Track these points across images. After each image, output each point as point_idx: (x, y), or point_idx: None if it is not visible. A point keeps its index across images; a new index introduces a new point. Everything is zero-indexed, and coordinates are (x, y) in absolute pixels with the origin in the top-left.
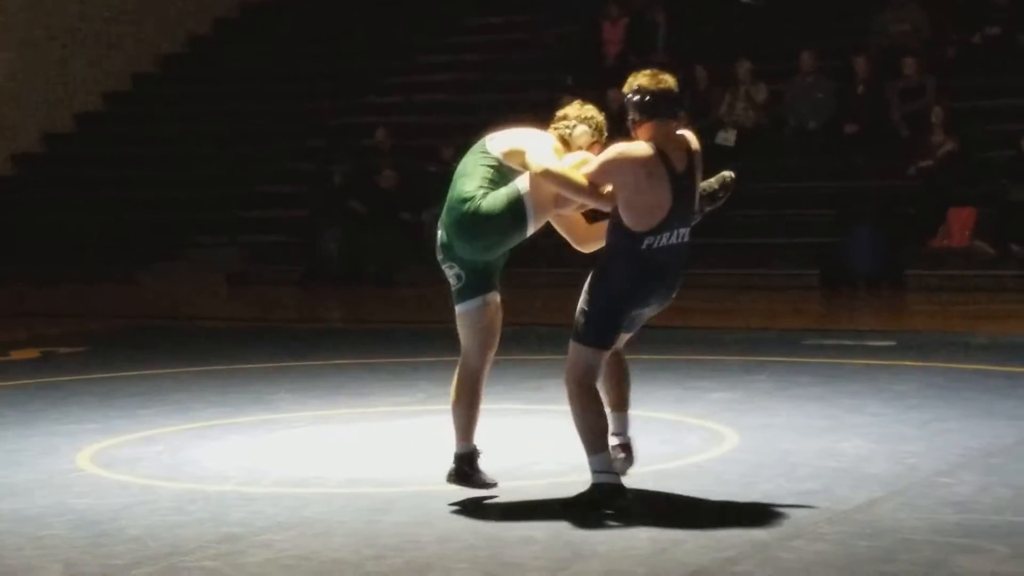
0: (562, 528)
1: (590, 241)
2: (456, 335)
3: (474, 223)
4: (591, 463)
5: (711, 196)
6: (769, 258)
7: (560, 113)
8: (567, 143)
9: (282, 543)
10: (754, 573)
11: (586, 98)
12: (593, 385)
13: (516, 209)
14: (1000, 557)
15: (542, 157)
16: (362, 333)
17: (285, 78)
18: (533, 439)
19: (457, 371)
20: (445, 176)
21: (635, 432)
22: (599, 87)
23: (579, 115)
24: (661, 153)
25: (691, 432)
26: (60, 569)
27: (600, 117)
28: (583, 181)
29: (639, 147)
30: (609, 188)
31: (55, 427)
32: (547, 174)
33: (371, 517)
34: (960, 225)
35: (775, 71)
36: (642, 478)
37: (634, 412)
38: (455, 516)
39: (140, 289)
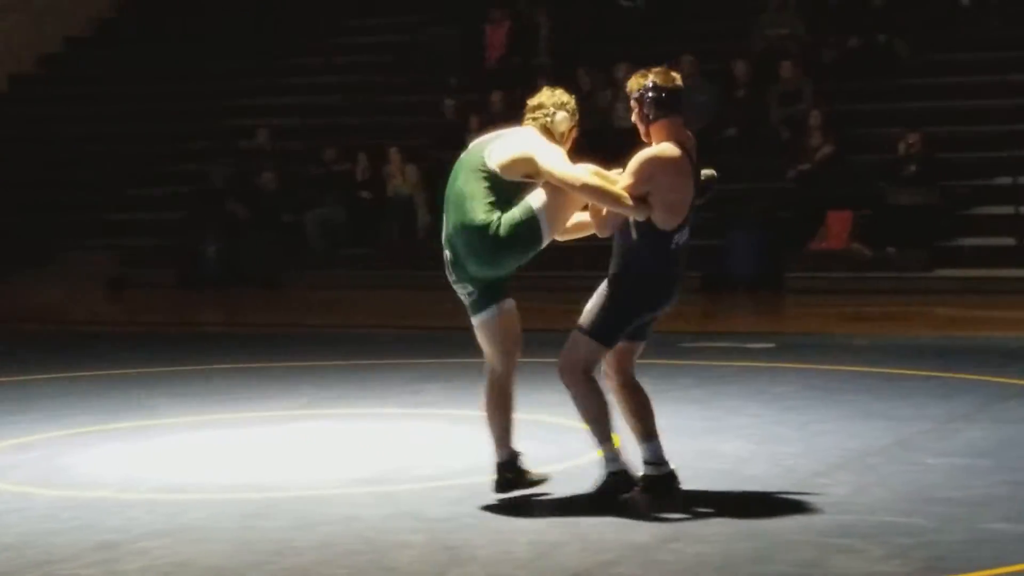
0: (441, 533)
1: (604, 226)
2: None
3: (495, 250)
4: (603, 450)
5: (700, 191)
6: None
7: (534, 103)
8: (550, 132)
9: (159, 550)
10: (634, 575)
11: (468, 101)
12: (592, 375)
13: (533, 229)
14: (876, 557)
15: (569, 169)
16: (243, 337)
17: (166, 79)
18: (412, 443)
19: (487, 381)
20: (328, 182)
21: (518, 435)
22: (482, 89)
23: (555, 102)
24: (683, 148)
25: (572, 435)
26: None
27: (573, 100)
28: (622, 192)
29: (668, 148)
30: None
31: None
32: (585, 188)
33: (250, 523)
34: (838, 228)
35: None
36: None
37: (516, 415)
38: (334, 521)
39: (15, 293)
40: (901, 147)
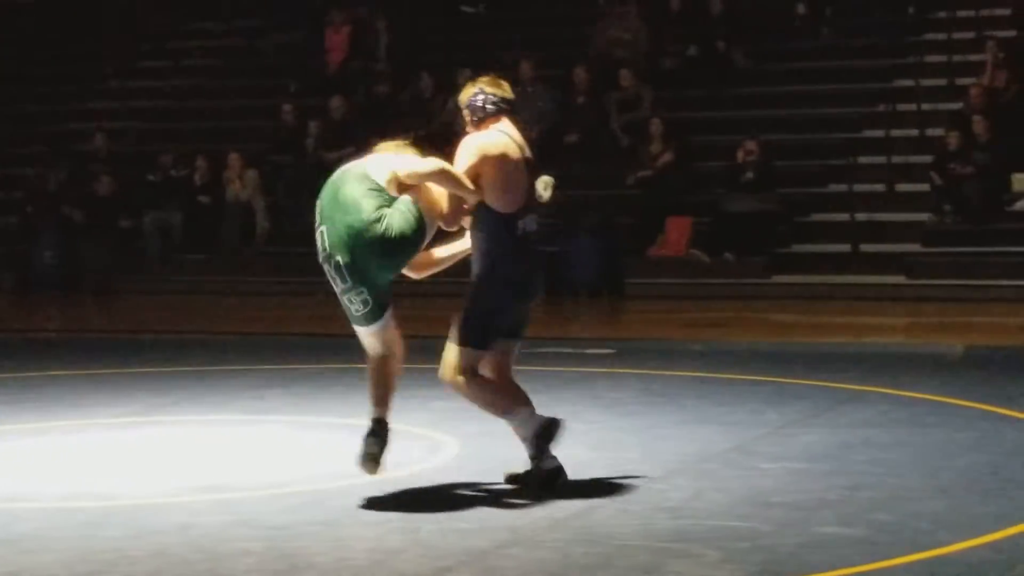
0: (279, 540)
1: (425, 267)
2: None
3: (392, 242)
4: (512, 423)
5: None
6: None
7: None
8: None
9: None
10: None
11: (308, 105)
12: (476, 371)
13: (421, 223)
14: (712, 561)
15: (424, 162)
16: (79, 342)
17: (4, 79)
18: (251, 450)
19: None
20: (166, 186)
21: (357, 441)
22: (323, 93)
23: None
24: (509, 136)
25: (411, 441)
26: None
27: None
28: (466, 178)
29: (492, 134)
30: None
31: None
32: (442, 172)
33: (86, 532)
34: (677, 234)
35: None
36: (360, 488)
37: (355, 421)
38: (170, 530)
39: None
40: (739, 154)
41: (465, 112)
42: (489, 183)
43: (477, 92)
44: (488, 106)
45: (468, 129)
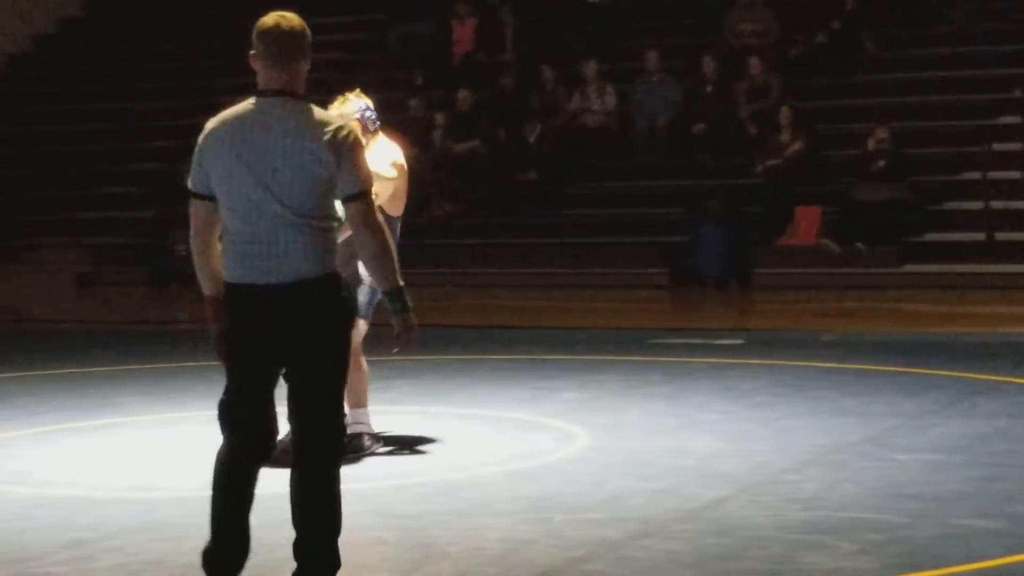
0: (413, 530)
1: None
2: None
3: None
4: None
5: None
6: (617, 257)
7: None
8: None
9: (131, 548)
10: (604, 572)
11: (436, 96)
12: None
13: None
14: (844, 553)
15: (391, 168)
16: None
17: (133, 77)
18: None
19: None
20: None
21: (487, 432)
22: (449, 86)
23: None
24: None
25: (542, 432)
26: None
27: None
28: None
29: (396, 146)
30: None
31: None
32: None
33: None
34: (807, 223)
35: (622, 70)
36: (493, 478)
37: (485, 412)
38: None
39: None
40: (870, 143)
41: (357, 122)
42: (397, 190)
43: (366, 107)
44: (376, 120)
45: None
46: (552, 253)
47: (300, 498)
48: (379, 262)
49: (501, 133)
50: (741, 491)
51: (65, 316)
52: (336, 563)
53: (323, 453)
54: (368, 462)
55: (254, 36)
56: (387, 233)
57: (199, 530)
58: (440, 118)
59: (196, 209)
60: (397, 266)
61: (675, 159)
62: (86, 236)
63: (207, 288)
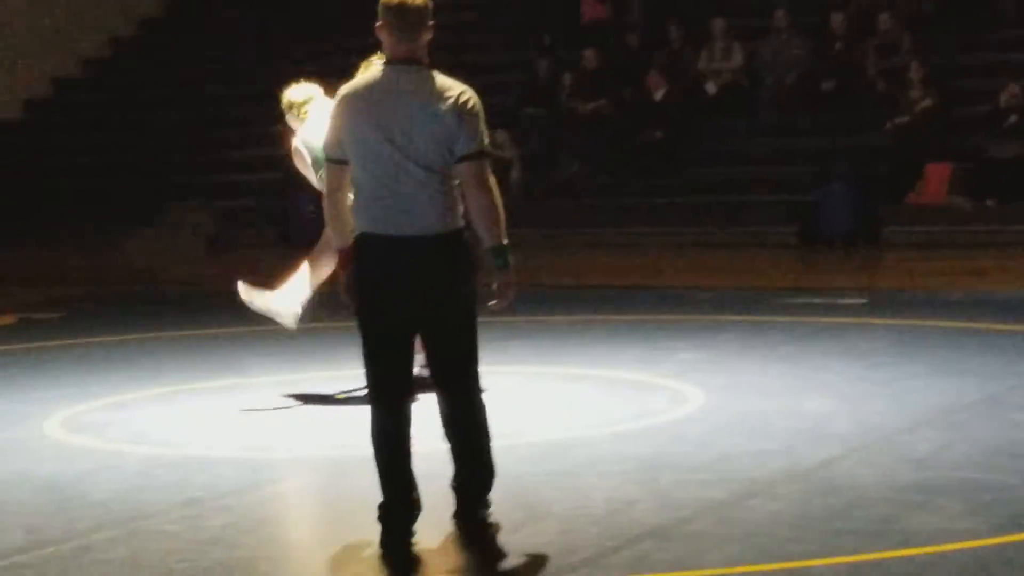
0: (517, 490)
1: None
2: None
3: None
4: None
5: None
6: (744, 216)
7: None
8: None
9: (243, 507)
10: (708, 532)
11: (561, 57)
12: None
13: None
14: (953, 514)
15: None
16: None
17: (263, 40)
18: (490, 400)
19: None
20: None
21: (599, 392)
22: (576, 45)
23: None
24: None
25: (655, 392)
26: (22, 535)
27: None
28: None
29: None
30: None
31: (26, 394)
32: None
33: (331, 482)
34: (936, 181)
35: (750, 28)
36: (601, 438)
37: (599, 373)
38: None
39: (117, 254)
40: (1002, 98)
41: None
42: None
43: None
44: None
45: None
46: (677, 212)
47: (452, 428)
48: (489, 219)
49: (627, 92)
50: (852, 451)
51: (194, 279)
52: (493, 471)
53: (466, 385)
54: None
55: (381, 8)
56: (496, 193)
57: (310, 491)
58: (567, 78)
59: (330, 171)
60: (504, 225)
61: (803, 117)
62: (218, 199)
63: (339, 243)
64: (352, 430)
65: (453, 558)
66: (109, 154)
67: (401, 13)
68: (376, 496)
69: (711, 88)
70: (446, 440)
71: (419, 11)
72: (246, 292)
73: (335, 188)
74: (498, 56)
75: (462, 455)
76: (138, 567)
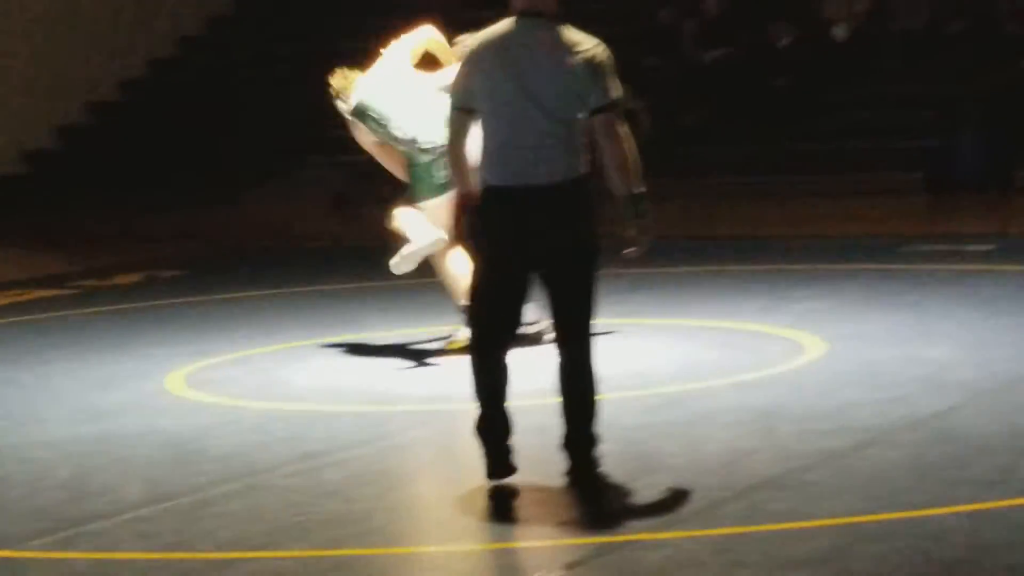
0: (636, 441)
1: None
2: None
3: None
4: None
5: None
6: (871, 163)
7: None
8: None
9: (359, 461)
10: (824, 482)
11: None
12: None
13: None
14: None
15: None
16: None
17: None
18: (612, 352)
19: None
20: None
21: (721, 343)
22: None
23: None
24: None
25: (776, 343)
26: (142, 488)
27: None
28: None
29: None
30: None
31: (149, 350)
32: None
33: (449, 434)
34: None
35: None
36: (720, 389)
37: (721, 323)
38: (527, 431)
39: (242, 211)
40: None
41: None
42: None
43: None
44: None
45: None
46: (803, 160)
47: (570, 376)
48: (623, 169)
49: (751, 40)
50: (973, 399)
51: (320, 235)
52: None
53: (583, 338)
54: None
55: None
56: (632, 142)
57: (428, 444)
58: (689, 26)
59: (455, 119)
60: (639, 174)
61: (930, 61)
62: (341, 155)
63: (463, 187)
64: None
65: (564, 510)
66: (238, 110)
67: None
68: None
69: (840, 32)
70: (560, 394)
71: None
72: (398, 260)
73: (458, 134)
74: (619, 5)
75: (572, 410)
76: (255, 520)
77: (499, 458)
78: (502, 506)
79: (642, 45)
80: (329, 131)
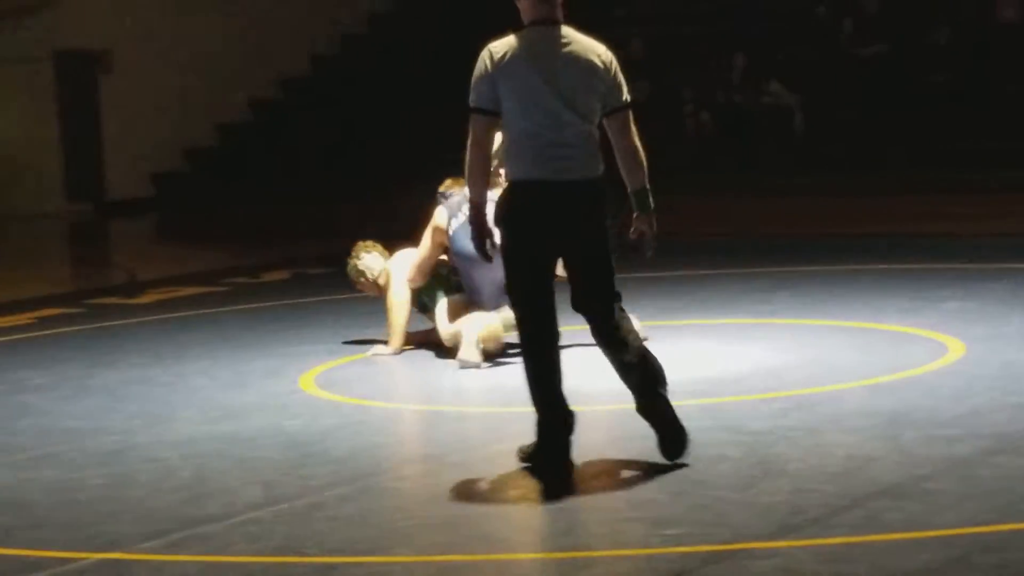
0: (759, 446)
1: None
2: None
3: None
4: None
5: None
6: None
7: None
8: None
9: (477, 463)
10: (945, 491)
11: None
12: None
13: None
14: None
15: None
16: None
17: None
18: (748, 355)
19: None
20: None
21: (858, 344)
22: None
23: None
24: None
25: (914, 344)
26: (259, 491)
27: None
28: None
29: None
30: None
31: (285, 348)
32: None
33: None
34: None
35: None
36: (852, 392)
37: (859, 324)
38: (646, 435)
39: (392, 210)
40: None
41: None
42: None
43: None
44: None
45: None
46: (959, 157)
47: (607, 343)
48: (635, 166)
49: (908, 37)
50: None
51: None
52: (660, 370)
53: (611, 307)
54: (726, 378)
55: None
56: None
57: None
58: (847, 23)
59: (479, 123)
60: (646, 171)
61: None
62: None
63: (477, 195)
64: (596, 384)
65: (672, 517)
66: (391, 110)
67: None
68: (615, 452)
69: (1008, 13)
70: (615, 368)
71: None
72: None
73: (481, 139)
74: (777, 2)
75: (625, 365)
76: (363, 525)
77: (556, 457)
78: (607, 514)
79: (801, 40)
80: None
